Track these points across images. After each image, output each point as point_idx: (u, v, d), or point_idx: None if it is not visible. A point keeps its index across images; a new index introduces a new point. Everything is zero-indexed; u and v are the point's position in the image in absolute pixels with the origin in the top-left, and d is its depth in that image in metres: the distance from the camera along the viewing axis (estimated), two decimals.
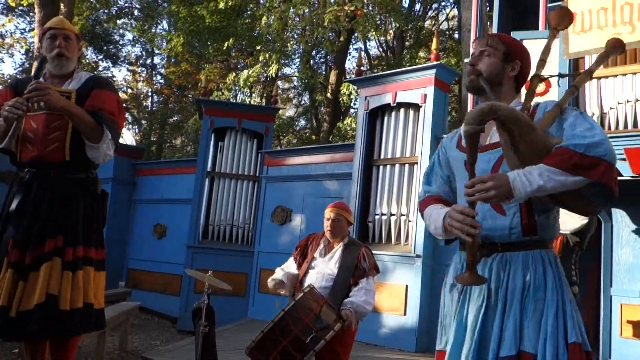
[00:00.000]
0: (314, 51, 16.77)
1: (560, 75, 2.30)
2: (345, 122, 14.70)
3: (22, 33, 18.72)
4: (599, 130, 1.69)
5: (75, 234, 2.67)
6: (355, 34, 15.15)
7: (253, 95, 18.12)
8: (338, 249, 3.48)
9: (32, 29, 15.31)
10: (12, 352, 5.06)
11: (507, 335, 1.70)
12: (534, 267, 1.77)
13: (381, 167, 7.30)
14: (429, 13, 18.60)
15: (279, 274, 3.59)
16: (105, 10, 17.20)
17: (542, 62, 2.05)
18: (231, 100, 15.47)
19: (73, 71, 2.87)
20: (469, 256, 1.71)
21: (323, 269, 3.43)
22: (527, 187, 1.64)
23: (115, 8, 17.46)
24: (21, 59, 19.03)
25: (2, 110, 2.55)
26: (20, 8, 16.15)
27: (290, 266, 3.63)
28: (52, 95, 2.59)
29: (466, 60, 7.01)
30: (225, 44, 14.03)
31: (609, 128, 5.10)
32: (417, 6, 17.80)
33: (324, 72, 18.79)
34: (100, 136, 2.70)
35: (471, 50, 2.00)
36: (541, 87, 5.53)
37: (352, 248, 3.47)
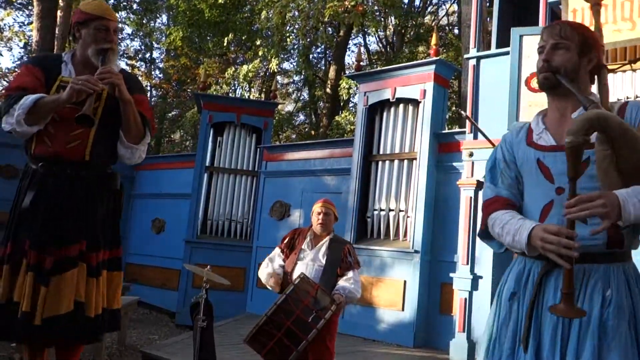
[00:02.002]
0: (313, 46, 16.73)
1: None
2: (342, 116, 14.69)
3: (20, 26, 18.64)
4: None
5: (97, 237, 2.55)
6: (355, 29, 15.12)
7: (252, 90, 18.09)
8: (325, 242, 3.75)
9: (31, 22, 15.25)
10: (11, 345, 5.06)
11: (585, 357, 1.52)
12: (617, 282, 1.58)
13: (380, 163, 7.29)
14: (429, 8, 18.55)
15: (271, 268, 3.73)
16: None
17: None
18: (230, 95, 15.45)
19: None
20: (565, 286, 1.50)
21: (312, 260, 3.69)
22: (638, 211, 1.48)
23: (113, 1, 17.37)
24: (20, 52, 18.94)
25: (73, 83, 2.36)
26: (18, 1, 16.10)
27: (276, 259, 3.80)
28: (126, 89, 2.48)
29: (466, 55, 7.01)
30: (225, 39, 13.99)
31: None
32: (417, 1, 17.76)
33: (323, 67, 18.75)
34: (141, 138, 2.63)
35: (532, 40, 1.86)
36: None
37: (337, 243, 3.78)
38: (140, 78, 21.81)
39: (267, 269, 3.71)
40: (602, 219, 1.47)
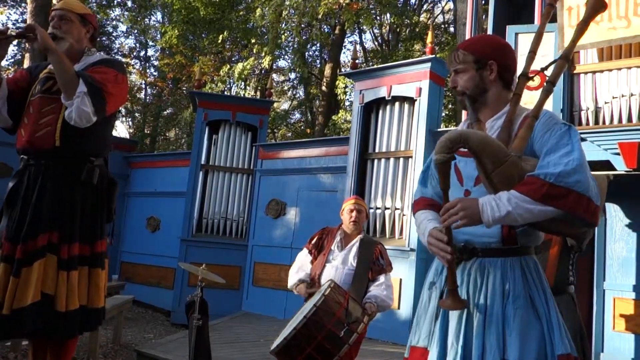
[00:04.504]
0: (309, 44, 16.70)
1: (543, 69, 2.07)
2: (339, 116, 14.68)
3: (14, 24, 18.52)
4: (576, 155, 1.65)
5: (72, 230, 2.52)
6: (349, 27, 15.10)
7: (247, 88, 18.04)
8: (355, 243, 3.52)
9: (24, 20, 15.15)
10: (5, 345, 5.03)
11: (489, 344, 1.69)
12: (513, 275, 1.76)
13: (376, 161, 7.28)
14: (425, 6, 18.55)
15: (301, 274, 3.52)
16: (96, 0, 17.05)
17: (532, 55, 1.98)
18: (225, 93, 15.42)
19: (82, 53, 2.71)
20: (450, 283, 1.74)
21: (342, 262, 3.46)
22: (495, 213, 1.64)
23: None
24: (13, 50, 18.80)
25: None
26: None
27: (305, 264, 3.58)
28: (45, 34, 2.46)
29: None
30: (220, 37, 13.95)
31: (604, 122, 5.10)
32: None
33: (318, 65, 18.73)
34: (75, 90, 2.46)
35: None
36: (536, 81, 5.52)
37: (368, 243, 3.54)
38: (134, 76, 21.71)
39: (298, 274, 3.50)
40: (462, 221, 1.67)
